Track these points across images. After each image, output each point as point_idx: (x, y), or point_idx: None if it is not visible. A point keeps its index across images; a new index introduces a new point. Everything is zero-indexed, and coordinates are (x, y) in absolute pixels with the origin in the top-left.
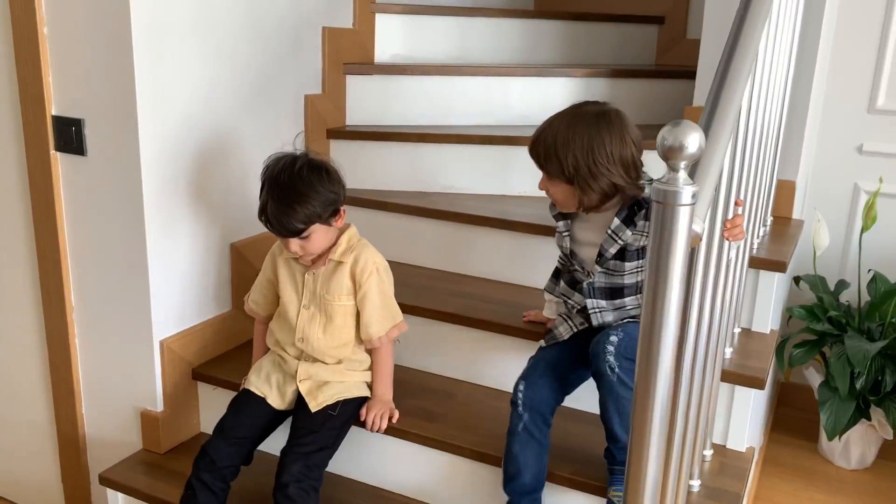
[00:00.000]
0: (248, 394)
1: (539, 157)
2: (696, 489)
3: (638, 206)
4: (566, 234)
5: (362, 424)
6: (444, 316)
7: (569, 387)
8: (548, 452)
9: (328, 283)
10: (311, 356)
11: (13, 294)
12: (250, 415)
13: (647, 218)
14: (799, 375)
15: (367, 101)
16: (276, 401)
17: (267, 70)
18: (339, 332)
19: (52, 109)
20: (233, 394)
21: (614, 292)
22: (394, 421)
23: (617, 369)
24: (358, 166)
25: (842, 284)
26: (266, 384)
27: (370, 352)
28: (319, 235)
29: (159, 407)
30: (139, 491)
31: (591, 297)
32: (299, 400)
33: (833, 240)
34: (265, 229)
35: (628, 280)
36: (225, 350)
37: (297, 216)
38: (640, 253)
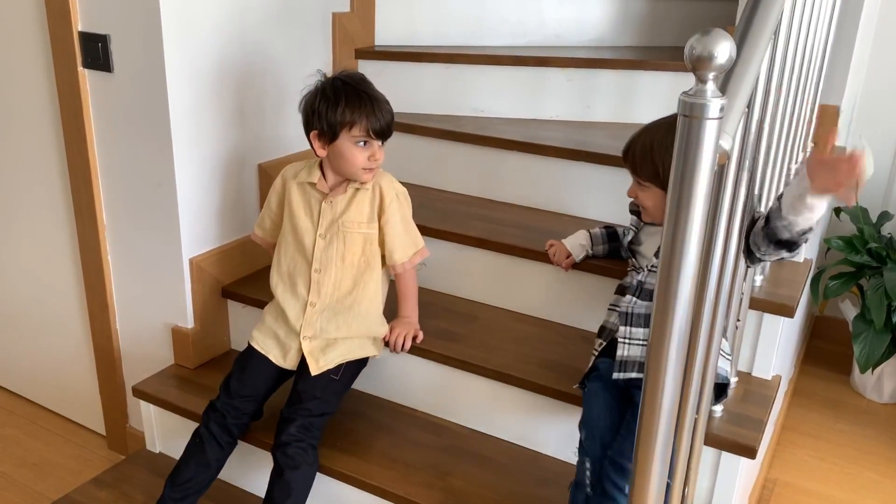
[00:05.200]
0: (252, 351)
1: (634, 161)
2: (718, 414)
3: None
4: (631, 231)
5: (386, 344)
6: (470, 240)
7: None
8: None
9: (347, 210)
10: (317, 301)
11: (47, 212)
12: (255, 374)
13: None
14: (834, 309)
15: (396, 19)
16: (279, 360)
17: None
18: (357, 259)
19: (79, 25)
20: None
21: None
22: (418, 341)
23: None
24: (386, 88)
25: (885, 216)
26: (269, 340)
27: (396, 278)
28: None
29: (190, 324)
30: (170, 403)
31: (633, 296)
32: (303, 357)
33: (878, 169)
34: (290, 151)
35: None
36: (255, 269)
37: (392, 113)
38: None
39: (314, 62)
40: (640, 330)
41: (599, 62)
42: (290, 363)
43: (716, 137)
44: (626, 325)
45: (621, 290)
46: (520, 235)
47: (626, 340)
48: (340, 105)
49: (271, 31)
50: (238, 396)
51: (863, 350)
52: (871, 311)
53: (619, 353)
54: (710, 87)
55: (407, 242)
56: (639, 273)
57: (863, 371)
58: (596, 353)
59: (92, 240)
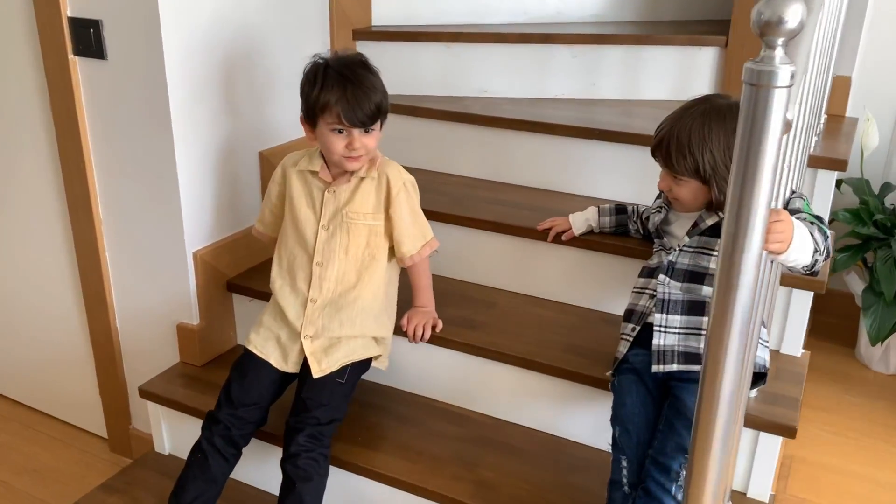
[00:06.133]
0: (250, 356)
1: (670, 156)
2: (753, 395)
3: None
4: (662, 210)
5: (404, 334)
6: (482, 224)
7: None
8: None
9: (352, 200)
10: (318, 296)
11: (40, 207)
12: (256, 380)
13: None
14: (836, 282)
15: None
16: (280, 363)
17: None
18: (361, 252)
19: (68, 10)
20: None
21: (694, 276)
22: (437, 330)
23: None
24: (386, 69)
25: (887, 187)
26: (268, 343)
27: (408, 270)
28: (376, 133)
29: (195, 320)
30: (180, 403)
31: (666, 275)
32: (305, 360)
33: (879, 140)
34: (291, 138)
35: (714, 263)
36: (259, 261)
37: (376, 100)
38: None
39: (312, 45)
40: (678, 318)
41: (605, 38)
42: (291, 366)
43: (785, 106)
44: (662, 312)
45: (649, 273)
46: (533, 217)
47: (663, 329)
48: (316, 88)
49: (268, 12)
50: (242, 405)
51: (873, 322)
52: (882, 282)
53: (655, 341)
54: (779, 53)
55: (415, 234)
56: (669, 253)
57: (873, 343)
58: (630, 340)
59: (88, 235)
